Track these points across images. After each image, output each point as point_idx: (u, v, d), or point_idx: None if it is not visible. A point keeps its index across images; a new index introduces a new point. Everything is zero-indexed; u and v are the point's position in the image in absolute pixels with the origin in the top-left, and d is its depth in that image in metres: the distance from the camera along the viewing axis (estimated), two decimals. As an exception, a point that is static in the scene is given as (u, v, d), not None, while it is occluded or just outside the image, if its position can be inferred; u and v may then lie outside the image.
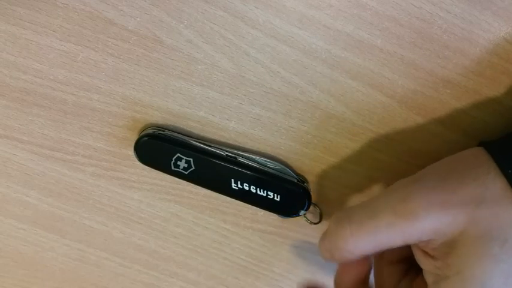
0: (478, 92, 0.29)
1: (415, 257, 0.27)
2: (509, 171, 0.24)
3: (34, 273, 0.37)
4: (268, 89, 0.29)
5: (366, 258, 0.28)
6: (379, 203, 0.26)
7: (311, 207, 0.31)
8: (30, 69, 0.29)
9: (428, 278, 0.26)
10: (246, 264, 0.36)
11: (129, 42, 0.28)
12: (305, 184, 0.31)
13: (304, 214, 0.31)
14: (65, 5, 0.27)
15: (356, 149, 0.31)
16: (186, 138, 0.30)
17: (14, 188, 0.33)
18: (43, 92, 0.29)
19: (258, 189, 0.30)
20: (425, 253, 0.26)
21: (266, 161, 0.31)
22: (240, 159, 0.30)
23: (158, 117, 0.30)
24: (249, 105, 0.30)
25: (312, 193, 0.31)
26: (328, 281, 0.32)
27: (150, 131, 0.30)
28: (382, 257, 0.30)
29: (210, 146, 0.30)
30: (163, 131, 0.30)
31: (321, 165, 0.32)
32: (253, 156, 0.31)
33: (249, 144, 0.31)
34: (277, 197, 0.30)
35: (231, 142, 0.31)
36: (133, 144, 0.30)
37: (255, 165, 0.30)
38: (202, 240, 0.35)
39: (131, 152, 0.31)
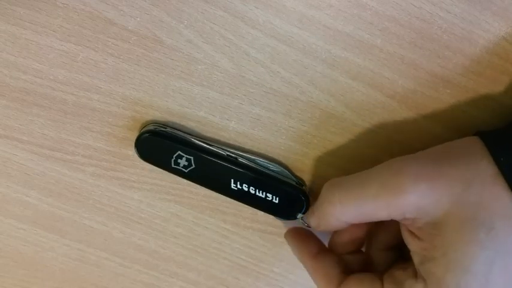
0: (478, 92, 0.29)
1: (403, 238, 0.27)
2: (501, 159, 0.24)
3: (34, 273, 0.37)
4: (268, 89, 0.29)
5: (361, 224, 0.29)
6: (370, 174, 0.27)
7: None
8: (30, 69, 0.29)
9: (415, 259, 0.26)
10: (246, 264, 0.36)
11: (129, 42, 0.28)
12: (303, 187, 0.31)
13: (302, 217, 0.31)
14: (65, 5, 0.27)
15: (356, 149, 0.31)
16: (187, 136, 0.30)
17: (14, 188, 0.33)
18: (43, 92, 0.29)
19: (257, 190, 0.30)
20: (412, 233, 0.26)
21: (266, 162, 0.31)
22: (241, 159, 0.30)
23: (158, 117, 0.30)
24: (249, 105, 0.30)
25: (311, 193, 0.31)
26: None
27: (151, 127, 0.30)
28: (371, 244, 0.30)
29: (211, 145, 0.30)
30: (165, 128, 0.30)
31: (321, 165, 0.32)
32: (254, 158, 0.30)
33: (249, 144, 0.31)
34: (275, 199, 0.30)
35: (231, 142, 0.31)
36: (133, 144, 0.30)
37: (255, 166, 0.30)
38: (202, 240, 0.35)
39: (131, 152, 0.31)
